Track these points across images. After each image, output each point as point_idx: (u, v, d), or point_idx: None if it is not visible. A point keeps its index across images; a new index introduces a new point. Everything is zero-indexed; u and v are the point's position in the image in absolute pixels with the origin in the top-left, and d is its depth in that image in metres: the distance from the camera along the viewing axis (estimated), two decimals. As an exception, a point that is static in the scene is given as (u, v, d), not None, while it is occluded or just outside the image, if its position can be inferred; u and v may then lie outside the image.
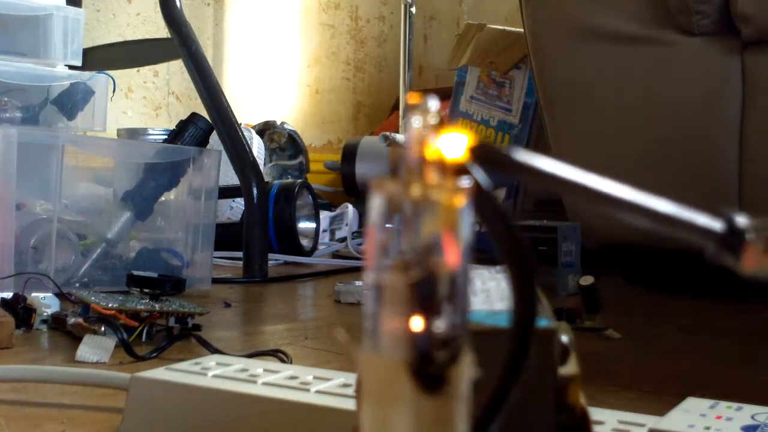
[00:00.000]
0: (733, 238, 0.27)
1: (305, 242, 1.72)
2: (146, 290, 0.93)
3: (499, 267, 0.40)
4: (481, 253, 0.30)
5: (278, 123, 2.39)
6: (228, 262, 1.56)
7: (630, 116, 1.31)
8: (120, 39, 2.23)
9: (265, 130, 2.36)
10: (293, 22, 2.72)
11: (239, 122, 1.44)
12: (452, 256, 0.24)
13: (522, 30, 1.49)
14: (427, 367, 0.24)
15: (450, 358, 0.24)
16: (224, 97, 1.41)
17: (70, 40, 1.28)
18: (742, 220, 0.27)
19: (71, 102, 1.28)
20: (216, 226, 1.28)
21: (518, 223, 1.47)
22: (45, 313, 0.88)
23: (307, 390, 0.50)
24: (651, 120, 1.30)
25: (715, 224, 0.27)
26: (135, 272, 0.98)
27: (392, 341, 0.24)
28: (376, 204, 0.25)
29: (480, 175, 0.26)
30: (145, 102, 2.34)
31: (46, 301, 0.89)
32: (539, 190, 1.80)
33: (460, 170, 0.26)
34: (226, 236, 1.49)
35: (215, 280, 1.29)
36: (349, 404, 0.47)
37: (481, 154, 0.25)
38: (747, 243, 0.26)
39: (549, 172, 0.26)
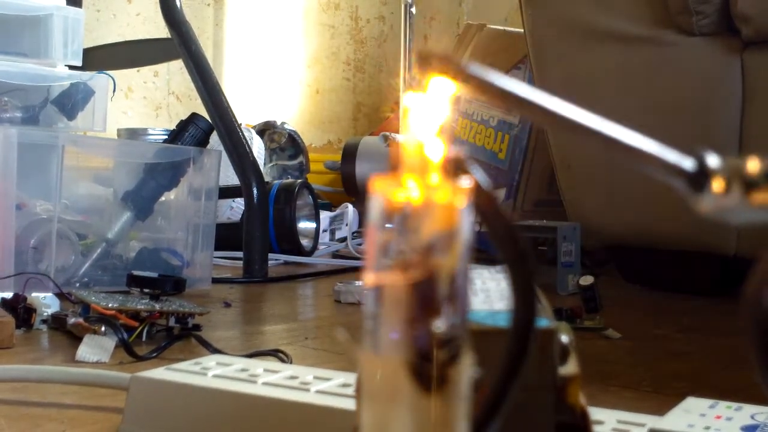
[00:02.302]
0: (701, 178, 0.25)
1: (305, 242, 1.72)
2: (146, 290, 0.93)
3: (499, 267, 0.40)
4: (481, 253, 0.30)
5: (278, 123, 2.39)
6: (228, 262, 1.56)
7: (630, 116, 1.31)
8: (120, 39, 2.23)
9: (265, 130, 2.36)
10: (293, 23, 2.72)
11: (239, 122, 1.44)
12: (452, 256, 0.24)
13: (522, 30, 1.49)
14: (427, 367, 0.24)
15: (450, 358, 0.24)
16: (224, 97, 1.41)
17: (71, 40, 1.28)
18: (713, 159, 0.25)
19: (71, 102, 1.28)
20: (216, 226, 1.28)
21: (518, 223, 1.47)
22: (45, 313, 0.88)
23: (307, 390, 0.50)
24: (651, 120, 1.30)
25: (685, 162, 0.26)
26: (135, 272, 0.98)
27: (392, 341, 0.24)
28: (376, 204, 0.25)
29: (480, 174, 0.26)
30: (146, 102, 2.34)
31: (46, 301, 0.89)
32: (539, 190, 1.80)
33: (460, 170, 0.26)
34: (226, 236, 1.49)
35: (215, 280, 1.29)
36: (349, 404, 0.47)
37: (437, 63, 0.25)
38: (710, 183, 0.25)
39: (507, 90, 0.25)
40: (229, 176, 1.60)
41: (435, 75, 0.25)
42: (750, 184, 0.25)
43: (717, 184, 0.25)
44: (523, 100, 0.25)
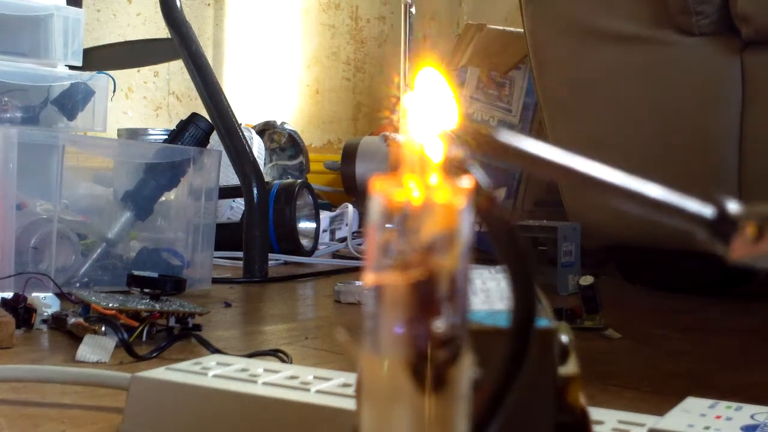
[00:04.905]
0: (723, 225, 0.26)
1: (305, 242, 1.72)
2: (146, 290, 0.93)
3: (499, 267, 0.40)
4: (481, 253, 0.30)
5: (278, 123, 2.39)
6: (228, 262, 1.56)
7: (630, 116, 1.32)
8: (120, 39, 2.23)
9: (265, 130, 2.36)
10: (293, 22, 2.72)
11: (239, 122, 1.44)
12: (452, 256, 0.24)
13: (522, 30, 1.49)
14: (427, 367, 0.24)
15: (450, 358, 0.24)
16: (224, 97, 1.41)
17: (71, 41, 1.28)
18: (733, 206, 0.26)
19: (71, 102, 1.28)
20: (216, 226, 1.28)
21: (518, 223, 1.47)
22: (45, 313, 0.88)
23: (307, 390, 0.50)
24: (651, 120, 1.30)
25: (706, 210, 0.26)
26: (135, 272, 0.98)
27: (392, 341, 0.24)
28: (376, 204, 0.25)
29: (480, 174, 0.26)
30: (146, 102, 2.34)
31: (46, 301, 0.89)
32: (539, 190, 1.80)
33: (460, 170, 0.26)
34: (226, 236, 1.49)
35: (215, 280, 1.29)
36: (349, 404, 0.47)
37: (470, 136, 0.25)
38: (737, 230, 0.26)
39: (535, 155, 0.26)
40: (229, 176, 1.60)
41: (473, 150, 0.25)
42: None
43: (749, 232, 0.25)
44: (560, 166, 0.26)
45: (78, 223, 1.18)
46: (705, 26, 1.23)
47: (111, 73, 1.34)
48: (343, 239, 1.90)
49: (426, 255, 0.24)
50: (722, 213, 0.26)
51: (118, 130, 2.05)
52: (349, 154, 2.22)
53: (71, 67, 1.31)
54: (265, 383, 0.52)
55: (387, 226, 0.25)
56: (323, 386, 0.51)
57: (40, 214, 1.14)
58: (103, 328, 0.78)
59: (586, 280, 0.98)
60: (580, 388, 0.34)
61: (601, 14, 1.33)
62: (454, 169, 0.26)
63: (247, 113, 2.42)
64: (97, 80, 1.30)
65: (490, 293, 0.38)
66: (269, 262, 1.43)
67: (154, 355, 0.76)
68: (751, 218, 0.25)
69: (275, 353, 0.77)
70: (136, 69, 2.26)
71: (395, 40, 2.72)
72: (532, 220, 1.46)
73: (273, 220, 1.66)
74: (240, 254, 1.42)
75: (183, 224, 1.27)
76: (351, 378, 0.52)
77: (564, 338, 0.34)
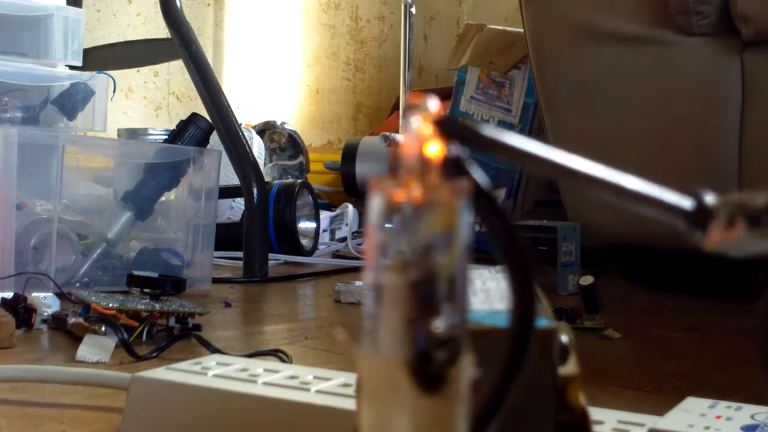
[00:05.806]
0: (701, 216, 0.27)
1: (305, 242, 1.72)
2: (146, 290, 0.93)
3: (499, 267, 0.40)
4: (481, 253, 0.30)
5: (278, 123, 2.39)
6: (228, 262, 1.56)
7: (630, 116, 1.32)
8: (120, 39, 2.23)
9: (266, 130, 2.36)
10: (293, 22, 2.72)
11: (239, 122, 1.44)
12: (451, 256, 0.24)
13: (522, 30, 1.49)
14: (427, 367, 0.24)
15: (450, 358, 0.24)
16: (224, 97, 1.41)
17: (71, 41, 1.28)
18: (710, 197, 0.27)
19: (71, 102, 1.28)
20: (216, 226, 1.28)
21: (518, 223, 1.47)
22: (45, 313, 0.88)
23: (307, 390, 0.50)
24: (651, 120, 1.30)
25: (684, 202, 0.27)
26: (135, 272, 0.98)
27: (392, 341, 0.24)
28: (375, 204, 0.25)
29: (479, 174, 0.26)
30: (146, 102, 2.34)
31: (46, 301, 0.89)
32: (539, 190, 1.80)
33: (460, 170, 0.26)
34: (226, 236, 1.49)
35: (215, 280, 1.29)
36: (349, 404, 0.47)
37: (447, 128, 0.25)
38: (713, 220, 0.26)
39: (516, 147, 0.26)
40: (229, 176, 1.60)
41: (452, 141, 0.26)
42: (754, 219, 0.26)
43: (722, 221, 0.26)
44: (540, 158, 0.26)
45: (78, 223, 1.18)
46: (705, 26, 1.23)
47: (111, 73, 1.34)
48: (343, 239, 1.90)
49: (425, 255, 0.24)
50: (700, 204, 0.27)
51: (118, 130, 2.05)
52: (349, 154, 2.22)
53: (71, 67, 1.32)
54: (265, 383, 0.52)
55: (387, 226, 0.25)
56: (323, 386, 0.51)
57: (40, 214, 1.14)
58: (103, 328, 0.78)
59: (586, 280, 0.98)
60: (580, 388, 0.34)
61: (601, 14, 1.33)
62: (453, 169, 0.26)
63: (247, 113, 2.42)
64: (97, 80, 1.31)
65: (490, 293, 0.38)
66: (269, 262, 1.43)
67: (154, 355, 0.76)
68: (724, 208, 0.26)
69: (275, 353, 0.77)
70: (136, 69, 2.26)
71: (395, 40, 2.72)
72: (532, 220, 1.46)
73: (273, 220, 1.66)
74: (240, 254, 1.42)
75: (183, 224, 1.27)
76: (351, 378, 0.52)
77: (564, 338, 0.34)
